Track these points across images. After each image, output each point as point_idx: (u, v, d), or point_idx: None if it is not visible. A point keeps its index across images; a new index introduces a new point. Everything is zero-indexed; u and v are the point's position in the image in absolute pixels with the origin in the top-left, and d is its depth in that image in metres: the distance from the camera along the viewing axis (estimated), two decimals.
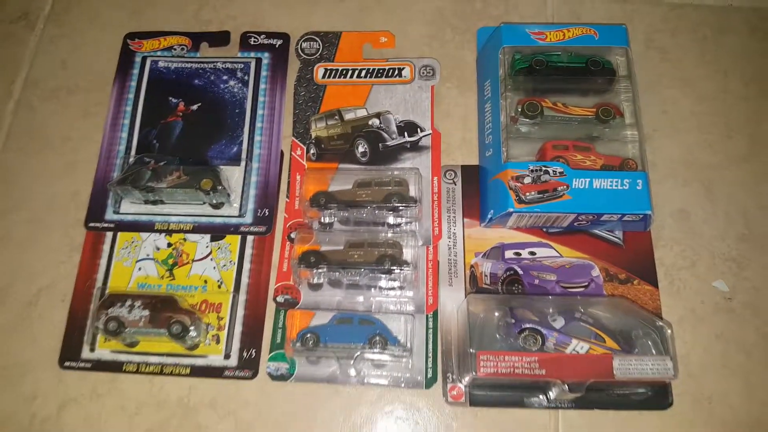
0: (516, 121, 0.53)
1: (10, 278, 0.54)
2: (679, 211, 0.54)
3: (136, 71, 0.59)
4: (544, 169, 0.49)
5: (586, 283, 0.51)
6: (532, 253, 0.52)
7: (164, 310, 0.49)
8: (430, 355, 0.49)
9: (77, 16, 0.64)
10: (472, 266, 0.52)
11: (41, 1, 0.65)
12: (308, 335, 0.48)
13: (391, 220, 0.52)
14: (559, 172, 0.49)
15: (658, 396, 0.48)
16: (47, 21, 0.64)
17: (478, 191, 0.54)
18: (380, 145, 0.56)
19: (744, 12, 0.61)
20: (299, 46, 0.60)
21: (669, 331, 0.46)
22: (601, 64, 0.54)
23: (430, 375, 0.49)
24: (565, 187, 0.49)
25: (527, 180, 0.49)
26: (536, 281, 0.51)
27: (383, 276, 0.50)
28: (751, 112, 0.57)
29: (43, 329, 0.52)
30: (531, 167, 0.49)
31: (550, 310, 0.48)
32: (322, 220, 0.53)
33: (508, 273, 0.52)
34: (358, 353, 0.48)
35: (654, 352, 0.46)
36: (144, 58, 0.60)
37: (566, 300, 0.48)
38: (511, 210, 0.49)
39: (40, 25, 0.64)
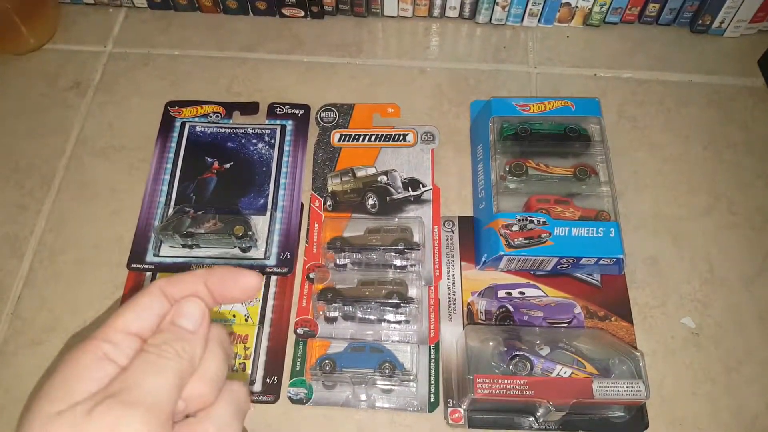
0: (504, 179, 0.61)
1: (60, 311, 0.60)
2: (649, 258, 0.61)
3: (175, 134, 0.68)
4: (529, 218, 0.57)
5: (570, 320, 0.58)
6: (522, 293, 0.60)
7: None
8: (433, 382, 0.56)
9: (123, 86, 0.73)
10: (469, 304, 0.59)
11: (92, 72, 0.74)
12: (326, 360, 0.55)
13: (397, 262, 0.60)
14: (542, 222, 0.57)
15: (635, 419, 0.54)
16: (96, 90, 0.73)
17: (473, 238, 0.62)
18: (387, 198, 0.64)
19: (702, 87, 0.71)
20: (318, 115, 0.69)
21: (641, 359, 0.53)
22: (578, 131, 0.63)
23: (432, 400, 0.55)
24: (547, 234, 0.57)
25: (515, 228, 0.57)
26: (525, 317, 0.58)
27: (391, 310, 0.57)
28: (710, 172, 0.66)
29: None
30: (518, 217, 0.58)
31: (538, 341, 0.55)
32: (338, 262, 0.60)
33: (500, 310, 0.59)
34: (370, 377, 0.54)
35: (629, 377, 0.53)
36: (183, 123, 0.69)
37: (551, 332, 0.55)
38: (502, 253, 0.57)
39: (90, 93, 0.73)
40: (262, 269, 0.61)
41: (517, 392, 0.51)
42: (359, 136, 0.67)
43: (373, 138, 0.67)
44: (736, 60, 0.72)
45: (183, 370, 0.27)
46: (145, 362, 0.27)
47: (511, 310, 0.59)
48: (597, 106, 0.64)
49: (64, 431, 0.24)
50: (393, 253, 0.59)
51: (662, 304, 0.59)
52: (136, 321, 0.29)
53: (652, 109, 0.70)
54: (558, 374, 0.52)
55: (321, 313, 0.58)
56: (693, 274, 0.61)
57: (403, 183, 0.65)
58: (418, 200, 0.64)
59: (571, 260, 0.57)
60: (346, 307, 0.57)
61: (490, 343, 0.55)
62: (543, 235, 0.57)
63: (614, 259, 0.56)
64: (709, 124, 0.68)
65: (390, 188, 0.64)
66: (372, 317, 0.58)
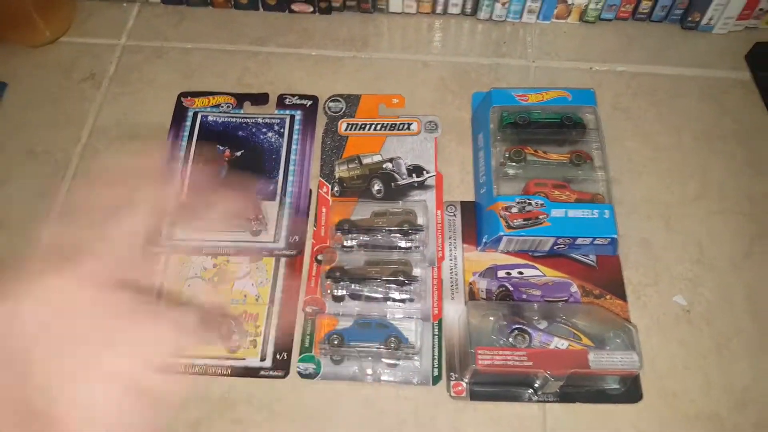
0: (504, 165, 0.64)
1: None
2: (642, 240, 0.64)
3: (188, 123, 0.71)
4: (527, 201, 0.60)
5: (566, 298, 0.61)
6: (521, 273, 0.62)
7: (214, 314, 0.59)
8: (436, 357, 0.58)
9: (137, 78, 0.76)
10: (470, 283, 0.62)
11: (106, 64, 0.77)
12: (334, 335, 0.57)
13: (402, 244, 0.63)
14: (540, 204, 0.60)
15: (630, 391, 0.57)
16: (111, 81, 0.76)
17: (474, 222, 0.65)
18: (392, 184, 0.67)
19: (693, 80, 0.74)
20: (326, 105, 0.72)
21: (634, 331, 0.56)
22: (574, 119, 0.66)
23: (436, 374, 0.58)
24: (545, 215, 0.59)
25: (514, 210, 0.60)
26: (524, 296, 0.61)
27: (396, 288, 0.59)
28: (701, 161, 0.69)
29: None
30: (517, 200, 0.60)
31: (536, 316, 0.57)
32: (345, 244, 0.63)
33: (500, 289, 0.61)
34: (376, 350, 0.57)
35: (623, 349, 0.55)
36: (195, 113, 0.72)
37: (549, 307, 0.58)
38: (502, 234, 0.59)
39: (105, 84, 0.76)
40: (271, 252, 0.64)
41: (516, 363, 0.53)
42: (365, 125, 0.70)
43: (378, 127, 0.70)
44: (725, 55, 0.75)
45: None
46: None
47: (511, 289, 0.61)
48: (592, 96, 0.67)
49: None
50: (398, 235, 0.62)
51: (655, 283, 0.62)
52: None
53: (645, 101, 0.73)
54: (555, 346, 0.55)
55: (329, 291, 0.60)
56: (684, 256, 0.63)
57: (407, 170, 0.68)
58: (422, 186, 0.67)
59: (568, 240, 0.60)
60: (353, 286, 0.60)
61: (491, 318, 0.58)
62: (541, 217, 0.59)
63: (609, 239, 0.59)
64: (700, 116, 0.71)
65: (395, 174, 0.67)
66: (378, 295, 0.60)
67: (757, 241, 0.64)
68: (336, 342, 0.57)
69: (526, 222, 0.59)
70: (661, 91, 0.73)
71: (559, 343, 0.55)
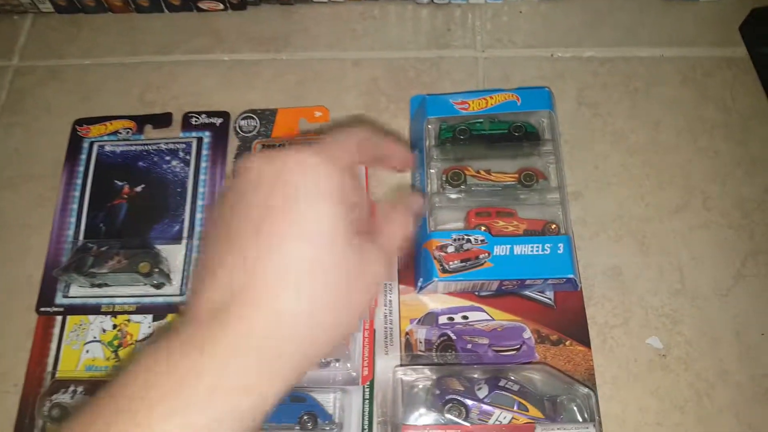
0: (443, 190, 0.54)
1: None
2: (610, 268, 0.54)
3: (84, 156, 0.62)
4: (466, 237, 0.50)
5: (518, 346, 0.51)
6: (465, 317, 0.53)
7: None
8: (366, 428, 0.50)
9: (31, 105, 0.66)
10: (407, 333, 0.53)
11: None
12: None
13: None
14: (480, 240, 0.50)
15: None
16: (2, 111, 0.67)
17: (413, 258, 0.55)
18: None
19: (675, 62, 0.62)
20: (237, 124, 0.62)
21: (592, 396, 0.46)
22: (524, 128, 0.55)
23: None
24: (486, 254, 0.49)
25: (450, 249, 0.50)
26: (469, 345, 0.52)
27: None
28: (683, 162, 0.57)
29: None
30: (454, 236, 0.50)
31: (478, 377, 0.48)
32: None
33: (441, 338, 0.52)
34: None
35: (579, 418, 0.46)
36: (92, 144, 0.62)
37: (492, 369, 0.49)
38: (436, 279, 0.50)
39: None
40: (176, 308, 0.55)
41: None
42: (283, 144, 0.60)
43: None
44: (715, 27, 0.63)
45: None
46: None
47: (453, 338, 0.52)
48: (547, 97, 0.55)
49: None
50: None
51: (625, 323, 0.52)
52: None
53: (616, 93, 0.61)
54: (497, 420, 0.46)
55: None
56: (661, 286, 0.53)
57: None
58: None
59: (516, 282, 0.50)
60: None
61: (422, 385, 0.49)
62: (481, 256, 0.49)
63: (564, 279, 0.49)
64: (682, 106, 0.60)
65: None
66: None
67: (749, 261, 0.53)
68: None
69: (464, 264, 0.50)
70: (636, 79, 0.61)
71: (502, 416, 0.46)
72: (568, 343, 0.51)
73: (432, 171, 0.54)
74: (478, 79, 0.63)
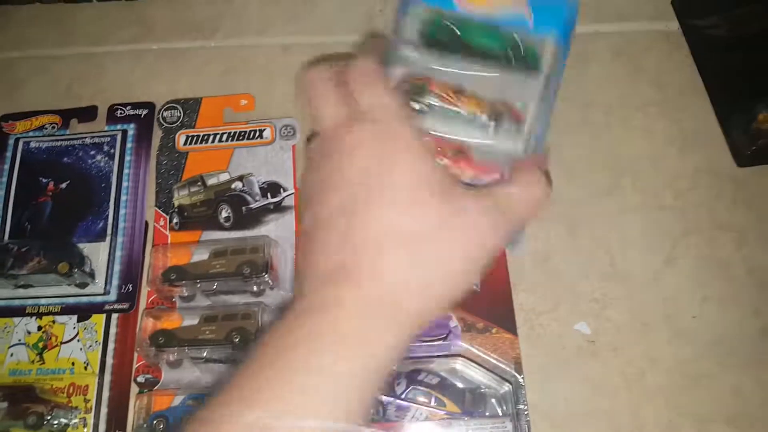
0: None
1: None
2: (539, 254, 0.53)
3: (9, 153, 0.60)
4: None
5: (445, 335, 0.50)
6: None
7: (22, 401, 0.50)
8: None
9: None
10: None
11: None
12: (158, 419, 0.48)
13: (255, 288, 0.52)
14: None
15: None
16: None
17: None
18: (243, 208, 0.56)
19: (609, 37, 0.60)
20: (161, 115, 0.60)
21: (510, 388, 0.45)
22: (524, 54, 0.40)
23: None
24: None
25: None
26: None
27: (237, 350, 0.50)
28: (614, 143, 0.56)
29: None
30: None
31: (396, 372, 0.47)
32: (183, 293, 0.53)
33: None
34: None
35: (500, 411, 0.45)
36: (17, 140, 0.61)
37: (410, 361, 0.48)
38: None
39: None
40: (100, 307, 0.54)
41: None
42: (208, 136, 0.59)
43: (224, 137, 0.59)
44: (649, 1, 0.61)
45: None
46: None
47: None
48: (571, 16, 0.41)
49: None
50: (240, 280, 0.52)
51: (553, 309, 0.51)
52: None
53: None
54: (413, 417, 0.45)
55: (162, 358, 0.51)
56: (591, 270, 0.52)
57: (261, 189, 0.57)
58: (279, 207, 0.56)
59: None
60: (186, 350, 0.50)
61: None
62: None
63: None
64: (615, 84, 0.58)
65: (246, 196, 0.56)
66: (221, 358, 0.50)
67: (680, 242, 0.52)
68: (161, 427, 0.48)
69: None
70: (569, 57, 0.59)
71: (418, 413, 0.45)
72: (494, 330, 0.50)
73: (397, 73, 0.38)
74: None
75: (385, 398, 0.45)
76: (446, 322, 0.51)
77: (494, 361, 0.49)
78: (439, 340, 0.50)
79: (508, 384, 0.46)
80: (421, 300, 0.29)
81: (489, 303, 0.51)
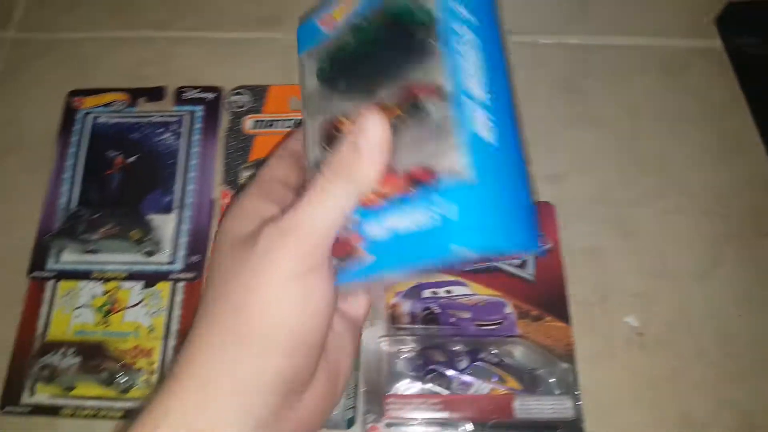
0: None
1: None
2: (590, 248, 0.55)
3: (78, 127, 0.63)
4: None
5: (500, 321, 0.53)
6: (449, 292, 0.54)
7: (95, 356, 0.52)
8: (351, 395, 0.51)
9: (25, 78, 0.67)
10: (392, 306, 0.54)
11: None
12: None
13: None
14: (354, 221, 0.30)
15: (570, 430, 0.49)
16: None
17: None
18: None
19: (655, 51, 0.63)
20: (229, 99, 0.62)
21: (570, 371, 0.48)
22: (412, 19, 0.30)
23: (350, 415, 0.51)
24: (359, 240, 0.31)
25: None
26: (452, 319, 0.53)
27: None
28: (662, 149, 0.59)
29: None
30: None
31: (459, 349, 0.49)
32: None
33: (425, 312, 0.53)
34: None
35: (557, 392, 0.48)
36: (86, 115, 0.63)
37: (474, 341, 0.50)
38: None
39: None
40: (166, 275, 0.56)
41: (431, 413, 0.46)
42: (275, 121, 0.61)
43: (291, 124, 0.61)
44: (694, 17, 0.64)
45: (348, 200, 0.29)
46: (312, 189, 0.29)
47: (438, 311, 0.53)
48: None
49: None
50: None
51: (603, 301, 0.54)
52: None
53: (599, 80, 0.62)
54: (476, 390, 0.47)
55: None
56: (639, 267, 0.55)
57: None
58: None
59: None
60: None
61: (407, 355, 0.50)
62: (357, 245, 0.31)
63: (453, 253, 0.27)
64: (661, 95, 0.61)
65: None
66: None
67: (725, 247, 0.55)
68: None
69: (342, 260, 0.31)
70: (617, 67, 0.63)
71: (481, 387, 0.47)
72: (548, 319, 0.53)
73: (310, 128, 0.35)
74: None
75: (450, 373, 0.47)
76: (502, 309, 0.53)
77: (548, 347, 0.51)
78: (495, 325, 0.53)
79: (566, 364, 0.48)
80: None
81: (543, 292, 0.54)
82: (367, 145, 0.28)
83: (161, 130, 0.62)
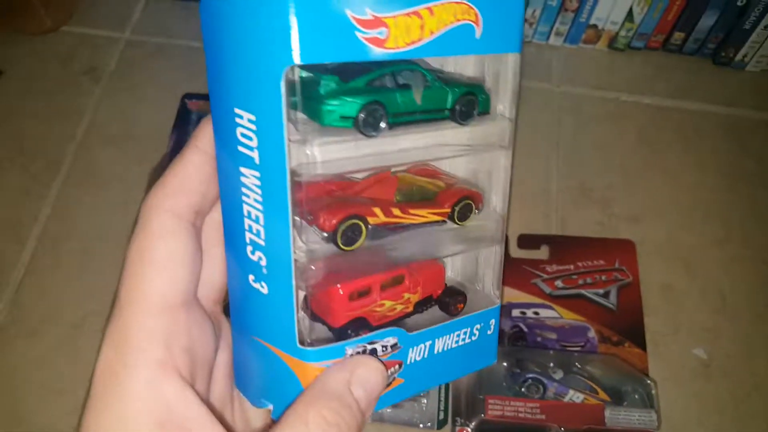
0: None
1: (60, 302, 0.59)
2: (664, 284, 0.61)
3: (192, 127, 0.67)
4: (369, 347, 0.26)
5: (583, 343, 0.58)
6: (536, 313, 0.59)
7: None
8: (443, 399, 0.55)
9: (139, 75, 0.72)
10: None
11: (107, 58, 0.73)
12: None
13: None
14: (392, 346, 0.26)
15: None
16: (111, 76, 0.72)
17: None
18: None
19: (720, 118, 0.71)
20: None
21: (654, 388, 0.53)
22: (476, 98, 0.28)
23: (441, 417, 0.54)
24: (397, 367, 0.27)
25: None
26: (539, 338, 0.58)
27: None
28: (725, 202, 0.66)
29: (87, 351, 0.56)
30: (349, 350, 0.25)
31: (551, 364, 0.54)
32: None
33: (514, 330, 0.58)
34: None
35: (640, 405, 0.52)
36: (200, 117, 0.68)
37: (564, 356, 0.55)
38: None
39: (105, 79, 0.71)
40: None
41: (528, 415, 0.50)
42: None
43: None
44: (756, 94, 0.73)
45: None
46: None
47: (525, 330, 0.58)
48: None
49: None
50: None
51: (675, 332, 0.59)
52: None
53: (670, 136, 0.70)
54: (570, 399, 0.52)
55: None
56: (706, 304, 0.61)
57: None
58: None
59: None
60: None
61: (504, 364, 0.54)
62: (392, 370, 0.27)
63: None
64: (725, 155, 0.69)
65: None
66: None
67: None
68: None
69: None
70: (687, 127, 0.70)
71: (575, 396, 0.52)
72: (627, 345, 0.58)
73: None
74: (553, 109, 0.71)
75: (546, 381, 0.52)
76: (585, 332, 0.58)
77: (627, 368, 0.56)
78: (578, 347, 0.58)
79: (652, 382, 0.53)
80: None
81: (623, 320, 0.59)
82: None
83: None
